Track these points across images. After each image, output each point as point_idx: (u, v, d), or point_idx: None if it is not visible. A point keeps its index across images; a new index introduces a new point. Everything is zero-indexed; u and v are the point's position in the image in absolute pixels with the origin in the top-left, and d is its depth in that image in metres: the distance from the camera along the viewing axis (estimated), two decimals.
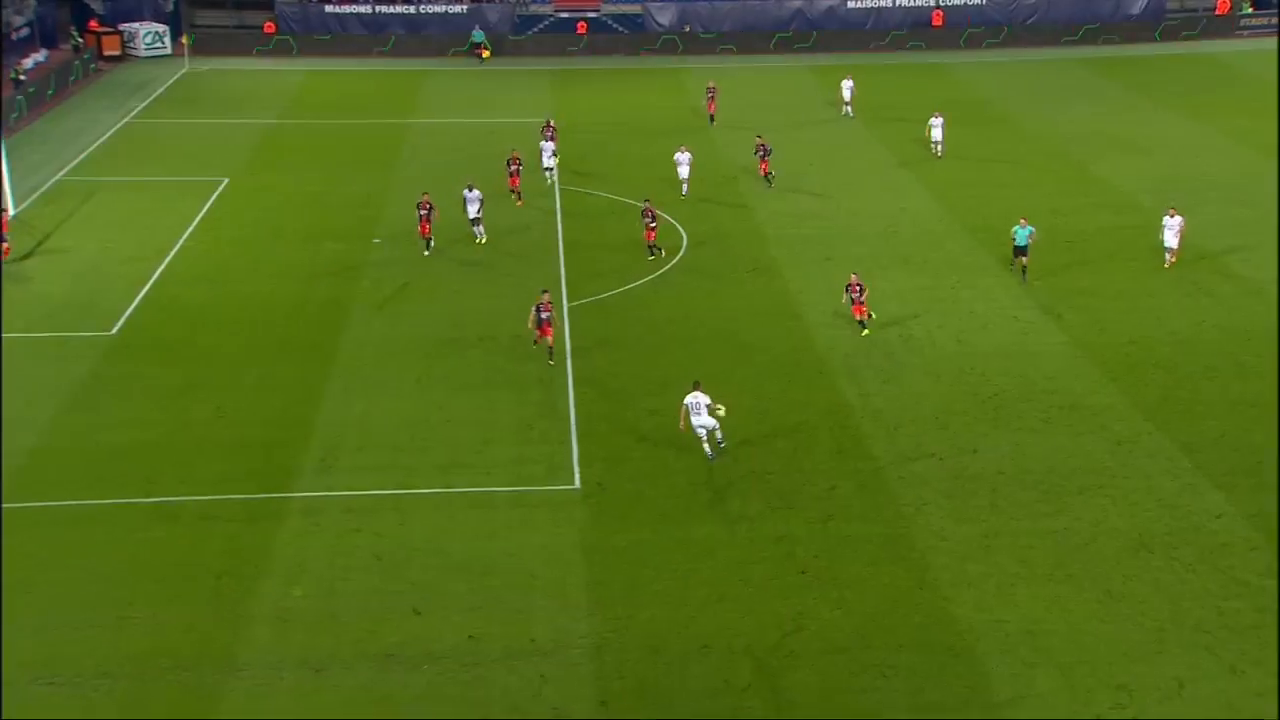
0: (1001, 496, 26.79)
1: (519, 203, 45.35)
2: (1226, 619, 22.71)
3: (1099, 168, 50.33)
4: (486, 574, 24.05)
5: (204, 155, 52.24)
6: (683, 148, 46.85)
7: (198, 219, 43.91)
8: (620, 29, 75.33)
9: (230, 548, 24.77)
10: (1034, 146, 53.90)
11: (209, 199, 46.14)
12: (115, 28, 72.12)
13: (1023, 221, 37.62)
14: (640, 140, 54.30)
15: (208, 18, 75.93)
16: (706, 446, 27.77)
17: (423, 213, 40.08)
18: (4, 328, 34.70)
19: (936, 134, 51.14)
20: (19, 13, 68.86)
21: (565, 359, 33.12)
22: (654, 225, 40.12)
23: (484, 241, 41.50)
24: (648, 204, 40.50)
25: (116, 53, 70.97)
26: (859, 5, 76.88)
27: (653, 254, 40.08)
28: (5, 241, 39.10)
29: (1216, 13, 78.78)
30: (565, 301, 36.93)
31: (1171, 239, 38.61)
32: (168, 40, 72.51)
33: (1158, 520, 25.82)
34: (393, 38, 73.88)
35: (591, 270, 39.41)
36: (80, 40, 70.00)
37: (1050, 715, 20.49)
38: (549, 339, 32.39)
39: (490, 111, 60.51)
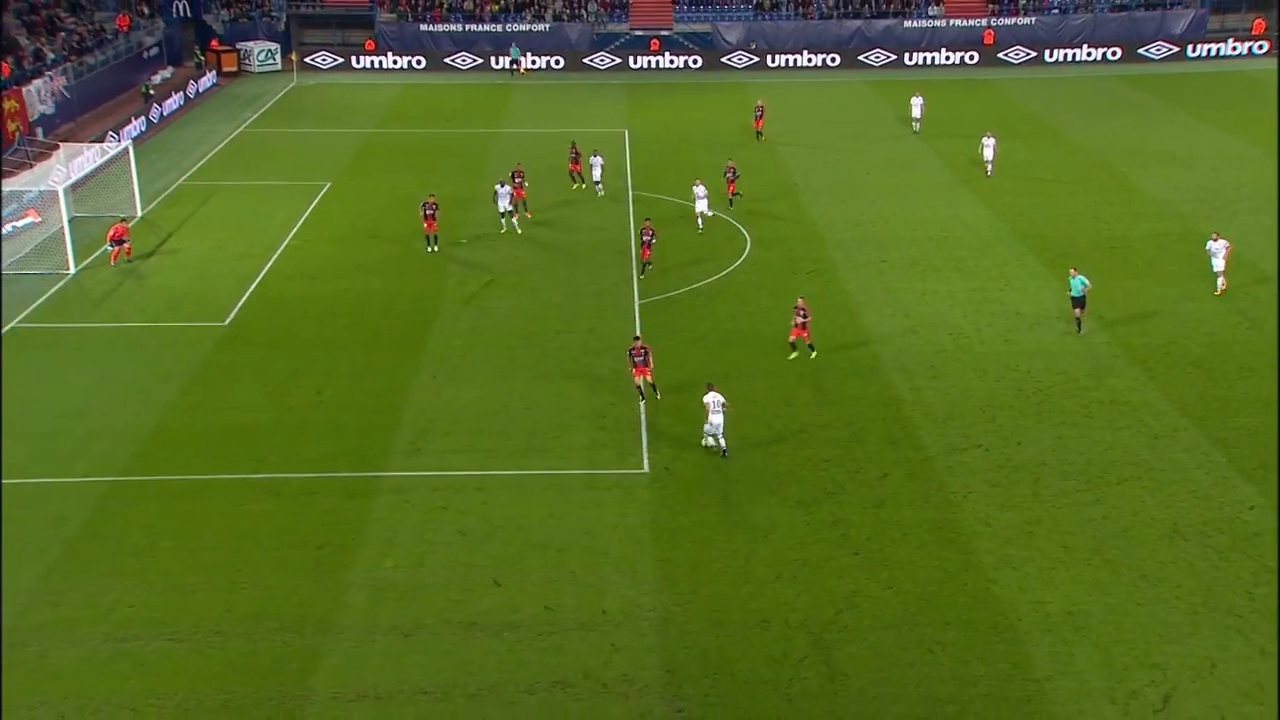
0: (1043, 486, 26.37)
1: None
2: (1257, 603, 22.20)
3: (1140, 178, 49.30)
4: (562, 550, 24.13)
5: (308, 162, 52.90)
6: (698, 181, 43.85)
7: (302, 220, 44.46)
8: (691, 45, 75.09)
9: (329, 521, 25.08)
10: (1078, 158, 52.92)
11: (312, 201, 46.70)
12: (233, 46, 73.27)
13: (1073, 271, 33.74)
14: (708, 150, 54.07)
15: (314, 36, 76.81)
16: (722, 441, 27.29)
17: (429, 212, 40.39)
18: (131, 318, 35.41)
19: (988, 153, 49.54)
20: (150, 34, 70.19)
21: None
22: (651, 242, 38.28)
23: (520, 232, 42.30)
24: (648, 223, 40.10)
25: (234, 69, 72.12)
26: (915, 24, 75.94)
27: (643, 272, 38.33)
28: (127, 242, 39.84)
29: (1253, 32, 76.81)
30: (636, 299, 36.91)
31: (1219, 263, 36.27)
32: (278, 57, 73.54)
33: (1192, 510, 25.28)
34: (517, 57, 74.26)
35: (660, 268, 39.33)
36: (202, 58, 71.20)
37: (1088, 690, 20.15)
38: (647, 378, 29.96)
39: (570, 122, 60.57)
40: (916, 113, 57.28)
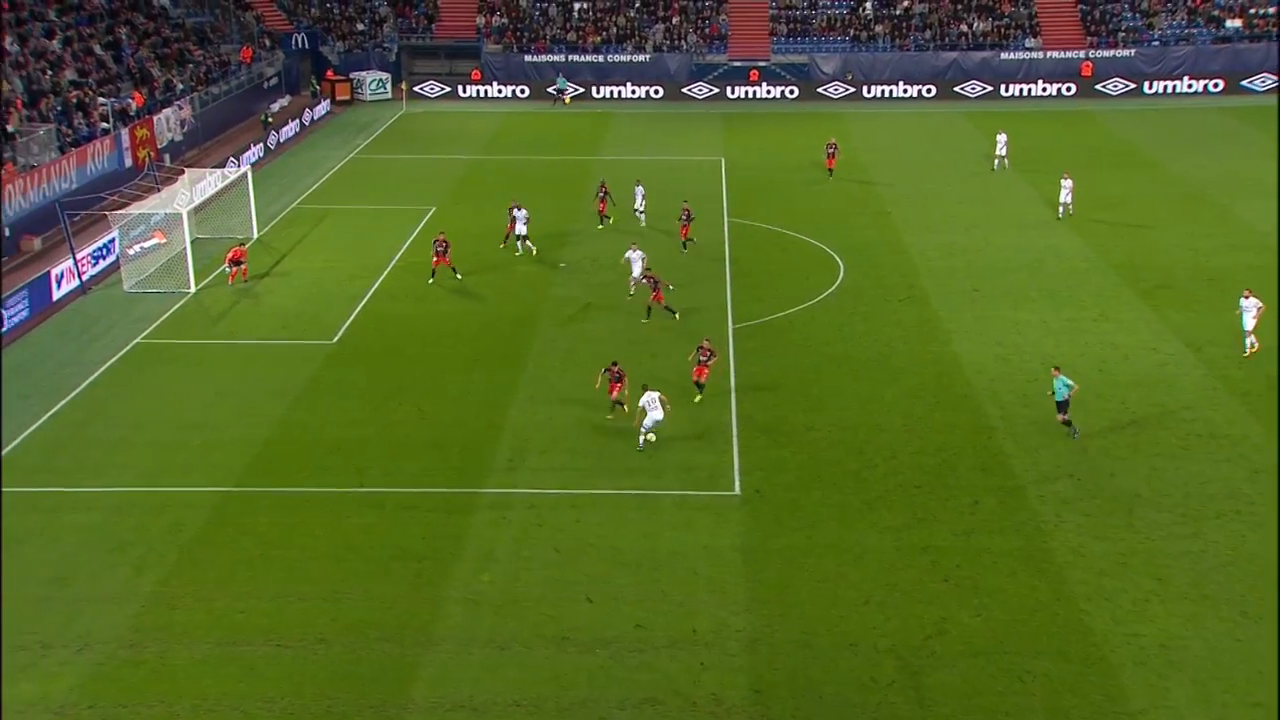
0: (1138, 517, 25.64)
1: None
2: None
3: (1240, 210, 47.87)
4: (653, 569, 24.09)
5: (415, 187, 53.88)
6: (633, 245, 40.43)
7: (408, 242, 45.27)
8: (788, 76, 74.98)
9: (429, 535, 25.40)
10: (1176, 189, 51.59)
11: (418, 225, 47.53)
12: (347, 76, 75.11)
13: (1055, 371, 29.32)
14: (803, 178, 53.87)
15: (423, 66, 78.40)
16: (652, 436, 28.53)
17: (439, 249, 40.07)
18: (246, 335, 36.38)
19: (1065, 195, 46.77)
20: (270, 65, 72.32)
21: (730, 376, 33.03)
22: (659, 288, 36.77)
23: (535, 254, 42.65)
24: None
25: (347, 98, 73.89)
26: (1012, 56, 74.82)
27: (662, 312, 36.64)
28: (244, 264, 40.96)
29: None
30: (731, 323, 36.86)
31: (1249, 321, 33.37)
32: (389, 86, 75.17)
33: None
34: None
35: (755, 295, 39.24)
36: (318, 87, 73.12)
37: None
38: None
39: (668, 150, 60.89)
40: (1001, 150, 55.13)
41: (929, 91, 73.75)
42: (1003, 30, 76.35)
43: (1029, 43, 75.65)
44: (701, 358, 31.32)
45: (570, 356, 34.50)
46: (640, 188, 46.95)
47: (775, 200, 50.80)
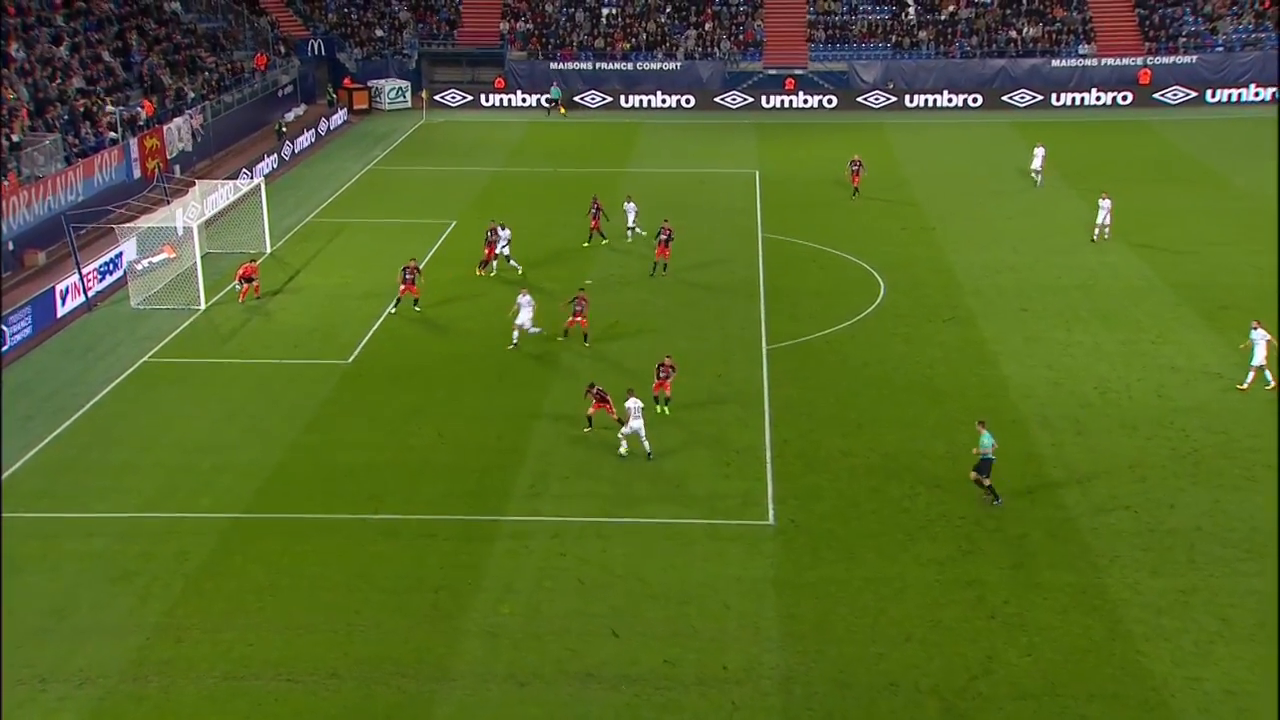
0: (1200, 553, 25.39)
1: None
2: None
3: None
4: (682, 602, 24.05)
5: (435, 199, 54.26)
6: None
7: (427, 257, 45.51)
8: (826, 85, 75.09)
9: (446, 564, 25.46)
10: (1241, 204, 51.25)
11: (438, 239, 47.83)
12: (365, 84, 75.81)
13: (980, 427, 27.57)
14: (842, 192, 53.90)
15: (445, 74, 79.03)
16: (646, 445, 29.31)
17: (409, 276, 39.53)
18: (257, 354, 36.67)
19: (1103, 216, 45.64)
20: (285, 72, 73.12)
21: (763, 399, 33.02)
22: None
23: (521, 273, 42.84)
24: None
25: (365, 107, 74.55)
26: (1063, 64, 74.63)
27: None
28: (256, 280, 41.32)
29: None
30: (765, 344, 36.85)
31: (1259, 355, 32.52)
32: (408, 95, 75.83)
33: None
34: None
35: (791, 314, 39.23)
36: (334, 96, 73.79)
37: None
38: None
39: (699, 162, 61.05)
40: (1037, 164, 54.47)
41: (975, 101, 73.66)
42: (1054, 36, 76.20)
43: (1082, 49, 75.46)
44: (661, 374, 31.84)
45: (596, 378, 34.47)
46: (632, 205, 46.91)
47: (812, 215, 50.82)
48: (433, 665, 22.27)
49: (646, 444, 29.54)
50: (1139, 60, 74.35)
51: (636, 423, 29.28)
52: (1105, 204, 45.88)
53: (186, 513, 27.59)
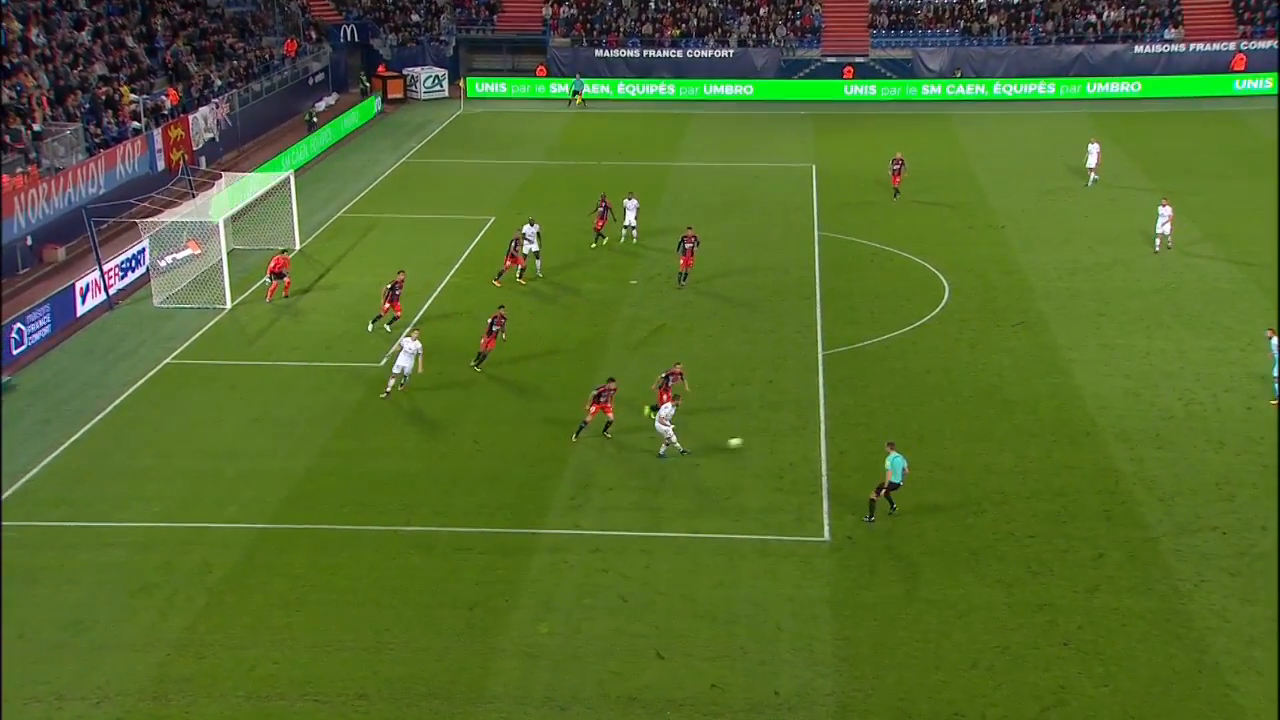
0: None
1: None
2: None
3: None
4: (731, 622, 24.03)
5: (473, 194, 54.57)
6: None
7: (464, 256, 45.80)
8: (888, 74, 74.80)
9: (482, 579, 25.58)
10: None
11: (476, 237, 48.08)
12: (399, 72, 76.39)
13: (890, 448, 27.45)
14: (905, 189, 53.58)
15: (484, 61, 79.50)
16: (676, 445, 29.85)
17: (398, 292, 38.35)
18: (285, 357, 37.02)
19: (1163, 225, 43.99)
20: (316, 59, 73.86)
21: (819, 407, 32.93)
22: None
23: (541, 274, 42.86)
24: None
25: (399, 96, 75.14)
26: (1148, 49, 73.83)
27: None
28: (287, 276, 41.72)
29: None
30: (820, 349, 36.76)
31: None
32: (445, 83, 76.35)
33: None
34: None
35: (849, 318, 39.10)
36: (368, 84, 74.46)
37: None
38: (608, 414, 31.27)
39: (753, 156, 60.99)
40: (1093, 161, 53.29)
41: (1049, 89, 73.04)
42: (1138, 19, 75.43)
43: (1169, 34, 74.61)
44: (668, 382, 31.66)
45: (641, 383, 34.55)
46: (633, 200, 46.69)
47: (872, 212, 50.63)
48: (467, 686, 22.38)
49: (676, 444, 30.08)
50: (1232, 45, 73.35)
51: (664, 428, 29.78)
52: (1165, 211, 44.26)
53: (210, 523, 27.91)
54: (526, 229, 43.27)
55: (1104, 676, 22.28)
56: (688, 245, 41.76)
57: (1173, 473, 29.27)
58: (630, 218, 46.56)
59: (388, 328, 38.39)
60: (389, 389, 33.61)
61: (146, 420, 33.15)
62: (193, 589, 25.37)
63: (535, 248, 43.20)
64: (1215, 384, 33.79)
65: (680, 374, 32.08)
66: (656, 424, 30.14)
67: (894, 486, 27.12)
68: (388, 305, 38.52)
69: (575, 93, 73.98)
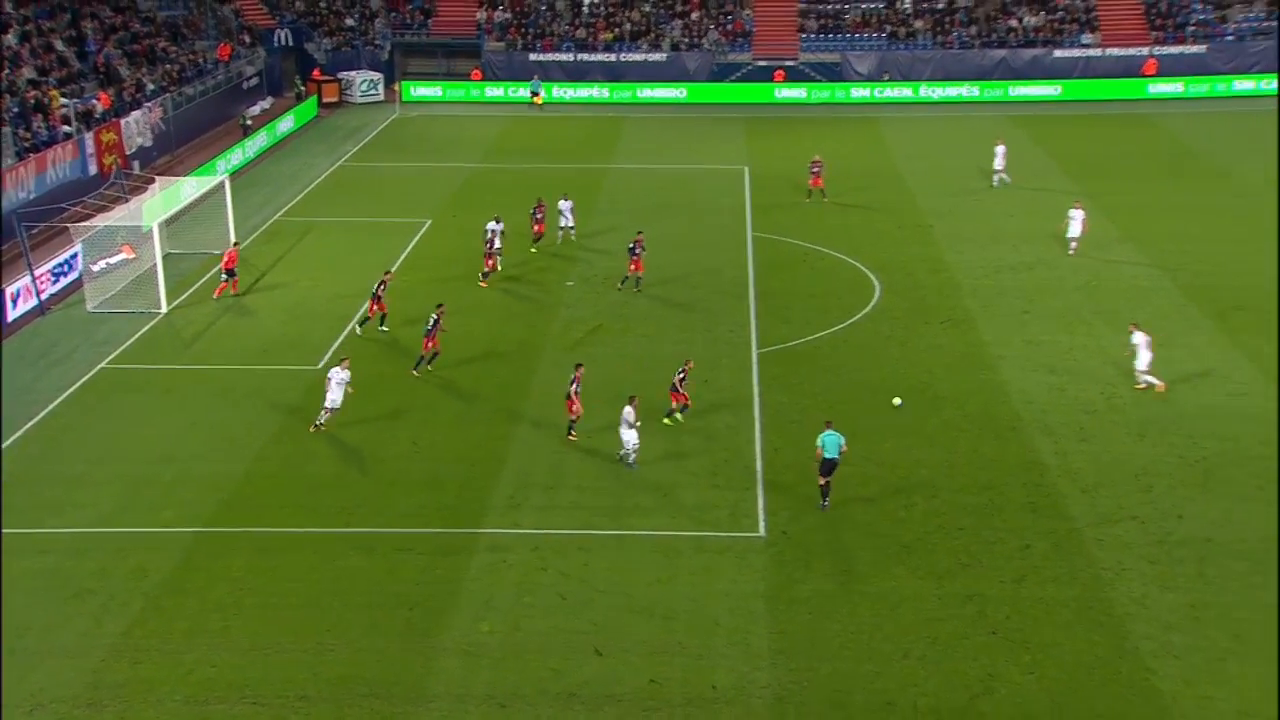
0: (1211, 565, 25.52)
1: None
2: None
3: None
4: (669, 618, 24.08)
5: (409, 197, 54.22)
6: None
7: (401, 258, 45.50)
8: (818, 77, 75.32)
9: (422, 580, 25.43)
10: (1253, 201, 51.50)
11: (412, 239, 47.79)
12: (335, 76, 75.71)
13: (827, 425, 28.00)
14: (833, 190, 54.03)
15: (419, 66, 78.98)
16: (633, 458, 29.40)
17: (381, 292, 37.85)
18: (222, 360, 36.57)
19: (1075, 228, 43.95)
20: (251, 63, 72.97)
21: (753, 405, 33.09)
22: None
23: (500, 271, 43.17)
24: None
25: (335, 100, 74.47)
26: (1066, 54, 74.99)
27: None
28: (235, 276, 41.28)
29: None
30: (755, 348, 36.93)
31: (1143, 357, 33.30)
32: (381, 87, 75.78)
33: None
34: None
35: (782, 317, 39.33)
36: (303, 88, 73.68)
37: None
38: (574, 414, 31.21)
39: (687, 159, 61.12)
40: (999, 163, 53.88)
41: (973, 92, 73.98)
42: (1056, 25, 76.60)
43: (1085, 39, 75.87)
44: (680, 384, 32.06)
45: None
46: (567, 202, 46.63)
47: (803, 213, 50.96)
48: (408, 686, 22.24)
49: (631, 454, 29.68)
50: (1145, 50, 74.78)
51: (627, 432, 29.41)
52: (1077, 214, 44.36)
53: (146, 527, 27.50)
54: (492, 225, 43.36)
55: (1030, 664, 22.60)
56: (637, 251, 41.36)
57: (1095, 465, 29.75)
58: (567, 219, 46.49)
59: (384, 329, 38.12)
60: (320, 422, 31.71)
61: (80, 426, 32.59)
62: (128, 594, 24.99)
63: (498, 245, 43.37)
64: (1135, 378, 34.35)
65: (688, 370, 32.24)
66: (624, 430, 29.42)
67: (830, 464, 27.33)
68: (374, 306, 37.81)
69: (534, 94, 73.73)
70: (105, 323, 39.57)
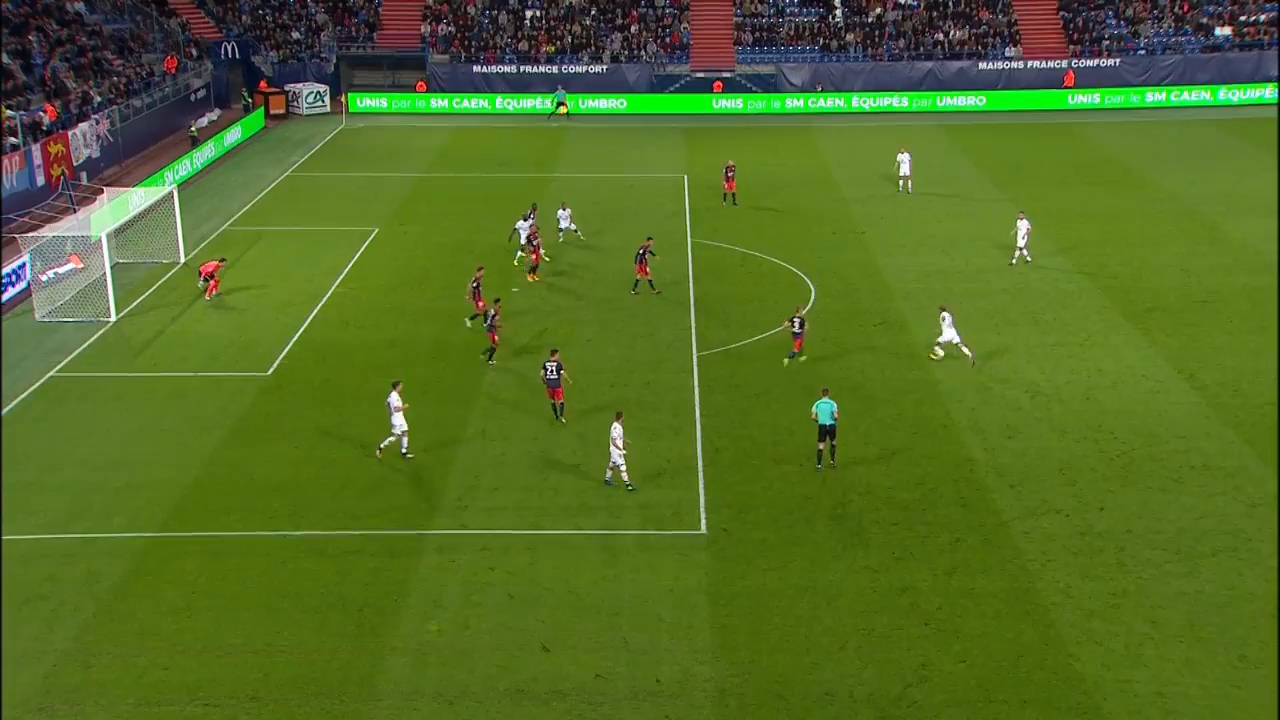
0: (1129, 555, 25.95)
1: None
2: None
3: (1234, 229, 48.75)
4: (614, 614, 24.09)
5: (356, 206, 53.82)
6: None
7: (349, 266, 45.16)
8: (754, 88, 75.67)
9: (372, 581, 25.25)
10: (1166, 206, 52.49)
11: (360, 247, 47.44)
12: (281, 88, 74.95)
13: (824, 392, 29.67)
14: (770, 197, 54.35)
15: (364, 78, 78.41)
16: (623, 475, 28.59)
17: (477, 286, 38.63)
18: (172, 367, 36.11)
19: (1021, 238, 43.82)
20: (198, 75, 72.06)
21: (694, 407, 33.18)
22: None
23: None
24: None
25: (281, 111, 73.72)
26: (990, 66, 75.96)
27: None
28: (216, 277, 41.15)
29: None
30: (695, 350, 37.04)
31: (950, 332, 35.34)
32: (327, 99, 75.15)
33: None
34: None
35: (722, 320, 39.47)
36: (250, 100, 72.90)
37: None
38: (559, 400, 32.00)
39: (628, 167, 61.20)
40: (905, 170, 54.49)
41: (903, 103, 74.69)
42: (981, 39, 77.56)
43: (1009, 51, 76.92)
44: (795, 327, 35.26)
45: (524, 387, 34.49)
46: (566, 210, 47.33)
47: (741, 220, 51.19)
48: (358, 685, 22.08)
49: (624, 474, 28.81)
50: (1064, 63, 75.93)
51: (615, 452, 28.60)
52: (1023, 225, 44.19)
53: (97, 533, 27.08)
54: (522, 224, 44.12)
55: (961, 653, 22.84)
56: (642, 255, 41.65)
57: (1021, 460, 30.13)
58: (565, 223, 47.09)
59: (468, 322, 38.59)
60: (383, 446, 30.34)
61: (30, 434, 32.01)
62: (80, 599, 24.59)
63: (571, 226, 44.70)
64: (1057, 377, 34.86)
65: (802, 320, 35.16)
66: (613, 448, 28.51)
67: (826, 429, 29.08)
68: (480, 303, 38.26)
69: (559, 103, 73.25)
70: (55, 331, 38.92)
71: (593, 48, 77.49)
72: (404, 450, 30.34)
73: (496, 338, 36.05)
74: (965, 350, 35.43)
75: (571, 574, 25.47)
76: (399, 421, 30.06)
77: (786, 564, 25.81)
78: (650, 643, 23.24)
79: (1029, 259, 44.39)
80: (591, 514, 27.83)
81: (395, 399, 30.02)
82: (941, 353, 35.87)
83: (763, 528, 27.20)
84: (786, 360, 35.35)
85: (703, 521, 27.48)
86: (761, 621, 23.85)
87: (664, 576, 25.37)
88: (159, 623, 23.85)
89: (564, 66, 76.18)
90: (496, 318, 36.01)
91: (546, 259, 44.39)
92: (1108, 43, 77.00)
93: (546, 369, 31.92)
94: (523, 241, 44.00)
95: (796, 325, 35.35)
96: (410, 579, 25.30)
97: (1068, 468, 29.73)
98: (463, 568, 25.74)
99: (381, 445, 30.35)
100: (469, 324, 38.65)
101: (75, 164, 55.00)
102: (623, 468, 28.66)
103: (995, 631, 23.47)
